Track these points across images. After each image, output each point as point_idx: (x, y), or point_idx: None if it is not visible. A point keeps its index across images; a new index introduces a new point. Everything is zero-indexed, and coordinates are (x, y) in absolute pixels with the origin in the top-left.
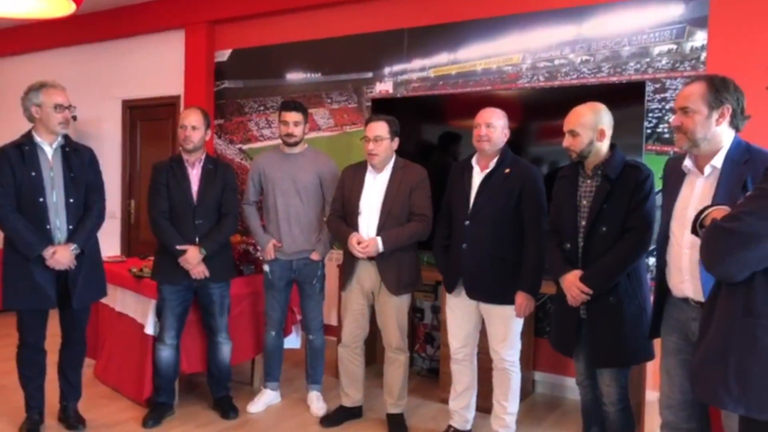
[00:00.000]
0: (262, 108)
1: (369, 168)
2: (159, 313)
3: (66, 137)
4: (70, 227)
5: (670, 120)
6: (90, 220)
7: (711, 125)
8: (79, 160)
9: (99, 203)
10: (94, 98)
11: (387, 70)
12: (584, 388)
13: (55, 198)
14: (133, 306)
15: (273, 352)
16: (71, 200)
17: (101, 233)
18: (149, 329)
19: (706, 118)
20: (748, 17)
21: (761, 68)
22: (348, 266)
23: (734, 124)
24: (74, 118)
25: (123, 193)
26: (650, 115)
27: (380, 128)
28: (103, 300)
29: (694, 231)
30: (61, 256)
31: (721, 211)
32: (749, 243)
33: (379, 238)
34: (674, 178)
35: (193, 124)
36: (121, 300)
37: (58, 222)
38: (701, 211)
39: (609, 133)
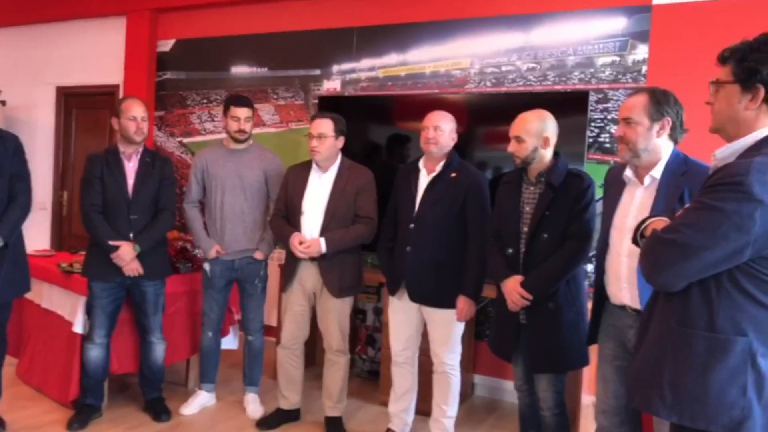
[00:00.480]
0: (205, 101)
1: (314, 167)
2: (89, 311)
3: None
4: None
5: (614, 130)
6: (15, 211)
7: (652, 137)
8: (2, 147)
9: (25, 194)
10: (27, 83)
11: (335, 68)
12: (522, 393)
13: None
14: (61, 303)
15: (209, 353)
16: None
17: (30, 225)
18: (78, 327)
19: (648, 129)
20: (688, 33)
21: (699, 82)
22: (290, 267)
23: (673, 137)
24: (2, 103)
25: (55, 183)
26: (592, 124)
27: (324, 125)
28: (28, 295)
29: (634, 241)
30: None
31: (661, 222)
32: (688, 255)
33: (322, 239)
34: (615, 187)
35: (143, 116)
36: (47, 296)
37: None
38: (642, 222)
39: (553, 141)
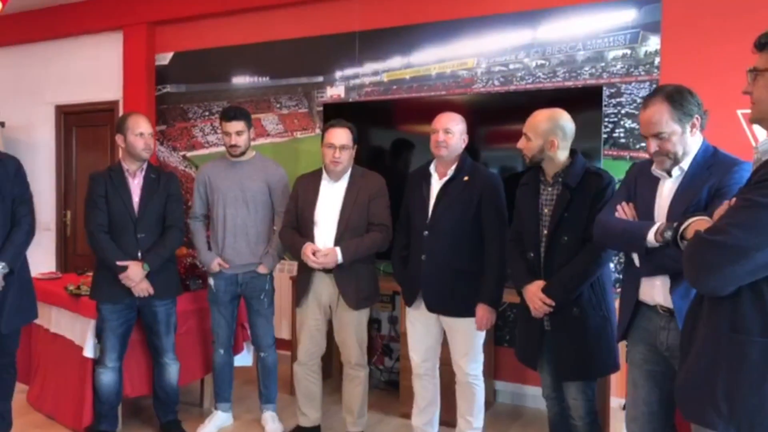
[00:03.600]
0: (207, 113)
1: (325, 176)
2: (99, 334)
3: None
4: None
5: (648, 147)
6: (18, 236)
7: (687, 139)
8: (3, 171)
9: (28, 217)
10: (25, 103)
11: (338, 74)
12: (551, 401)
13: None
14: (70, 327)
15: (222, 371)
16: None
17: (35, 247)
18: (88, 352)
19: (682, 134)
20: (700, 21)
21: (715, 71)
22: (303, 280)
23: (701, 127)
24: (2, 124)
25: (58, 203)
26: (606, 119)
27: (345, 136)
28: (37, 321)
29: (674, 243)
30: None
31: (703, 223)
32: (737, 257)
33: (338, 249)
34: (644, 181)
35: (150, 131)
36: (56, 320)
37: None
38: (681, 222)
39: (563, 144)
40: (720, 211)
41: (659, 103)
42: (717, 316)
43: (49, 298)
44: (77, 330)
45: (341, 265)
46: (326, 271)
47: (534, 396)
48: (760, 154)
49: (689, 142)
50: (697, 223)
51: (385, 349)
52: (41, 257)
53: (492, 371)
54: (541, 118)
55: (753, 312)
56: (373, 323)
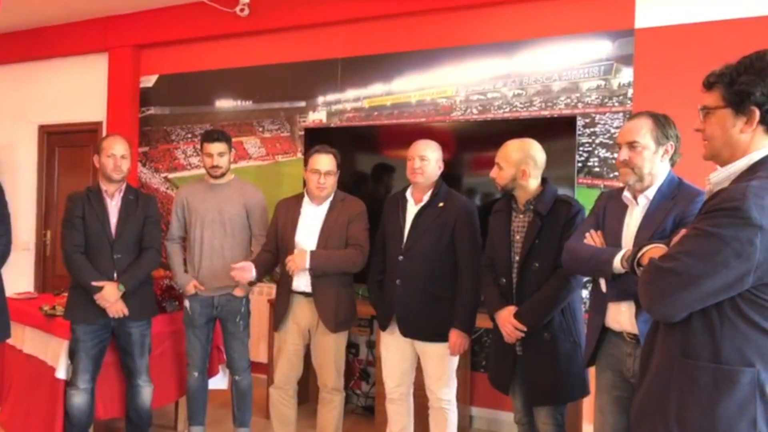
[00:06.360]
0: (189, 136)
1: (306, 200)
2: (72, 355)
3: None
4: None
5: (618, 155)
6: None
7: (657, 160)
8: None
9: (4, 237)
10: (8, 123)
11: (321, 99)
12: (522, 426)
13: None
14: (44, 347)
15: (196, 394)
16: None
17: (13, 266)
18: (61, 373)
19: (654, 153)
20: (671, 55)
21: (685, 104)
22: (282, 304)
23: (672, 160)
24: None
25: (38, 223)
26: (581, 149)
27: (330, 162)
28: (10, 341)
29: (632, 269)
30: None
31: (658, 250)
32: (687, 284)
33: (308, 252)
34: (612, 209)
35: (122, 153)
36: (29, 341)
37: None
38: (638, 249)
39: (535, 173)
40: (676, 239)
41: (644, 118)
42: (670, 341)
43: (23, 318)
44: (50, 351)
45: (319, 288)
46: (306, 294)
47: (510, 422)
48: (712, 185)
49: (658, 166)
50: (652, 251)
51: (363, 374)
52: (20, 276)
53: (468, 397)
54: (512, 148)
55: (703, 338)
56: (351, 348)
